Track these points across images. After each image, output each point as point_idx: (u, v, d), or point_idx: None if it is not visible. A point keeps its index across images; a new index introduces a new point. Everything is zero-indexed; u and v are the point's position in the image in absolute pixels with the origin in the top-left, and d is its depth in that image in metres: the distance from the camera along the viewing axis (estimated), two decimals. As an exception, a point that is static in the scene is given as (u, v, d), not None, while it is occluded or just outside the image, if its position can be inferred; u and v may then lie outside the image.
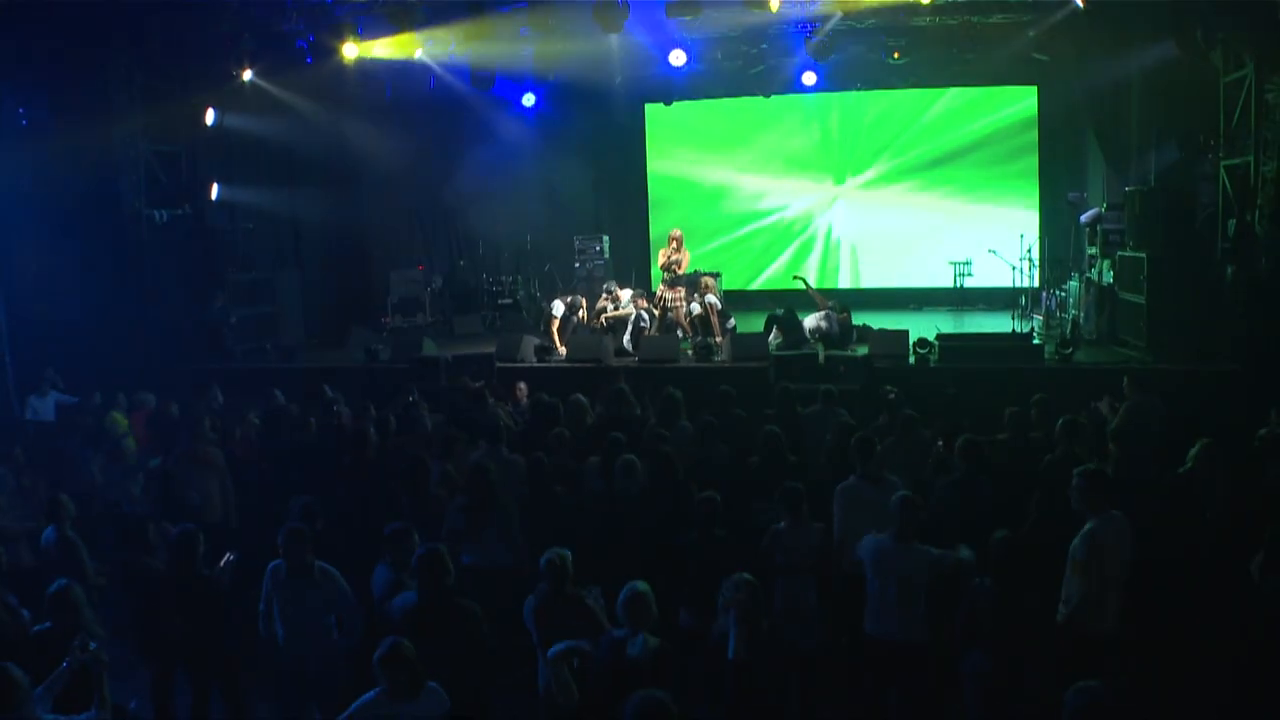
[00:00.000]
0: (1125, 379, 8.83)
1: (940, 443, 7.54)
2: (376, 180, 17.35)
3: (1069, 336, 12.03)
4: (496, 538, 6.67)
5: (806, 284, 13.73)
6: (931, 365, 11.26)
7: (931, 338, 11.73)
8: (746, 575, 4.88)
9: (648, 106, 18.88)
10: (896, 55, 14.77)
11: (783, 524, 6.15)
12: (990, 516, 6.43)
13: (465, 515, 6.68)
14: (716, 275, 17.10)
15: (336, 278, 17.74)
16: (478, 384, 11.46)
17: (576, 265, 17.57)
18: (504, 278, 17.79)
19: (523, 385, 11.21)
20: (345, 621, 5.77)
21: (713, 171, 18.77)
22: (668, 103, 18.29)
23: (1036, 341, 11.78)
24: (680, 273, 12.84)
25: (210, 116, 15.03)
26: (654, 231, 18.88)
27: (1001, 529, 5.37)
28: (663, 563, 6.23)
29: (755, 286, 18.52)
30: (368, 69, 15.54)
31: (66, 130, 13.72)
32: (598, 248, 17.62)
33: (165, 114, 14.77)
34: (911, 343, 11.67)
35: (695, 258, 17.82)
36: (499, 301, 17.39)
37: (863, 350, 12.11)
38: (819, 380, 10.80)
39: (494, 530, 6.66)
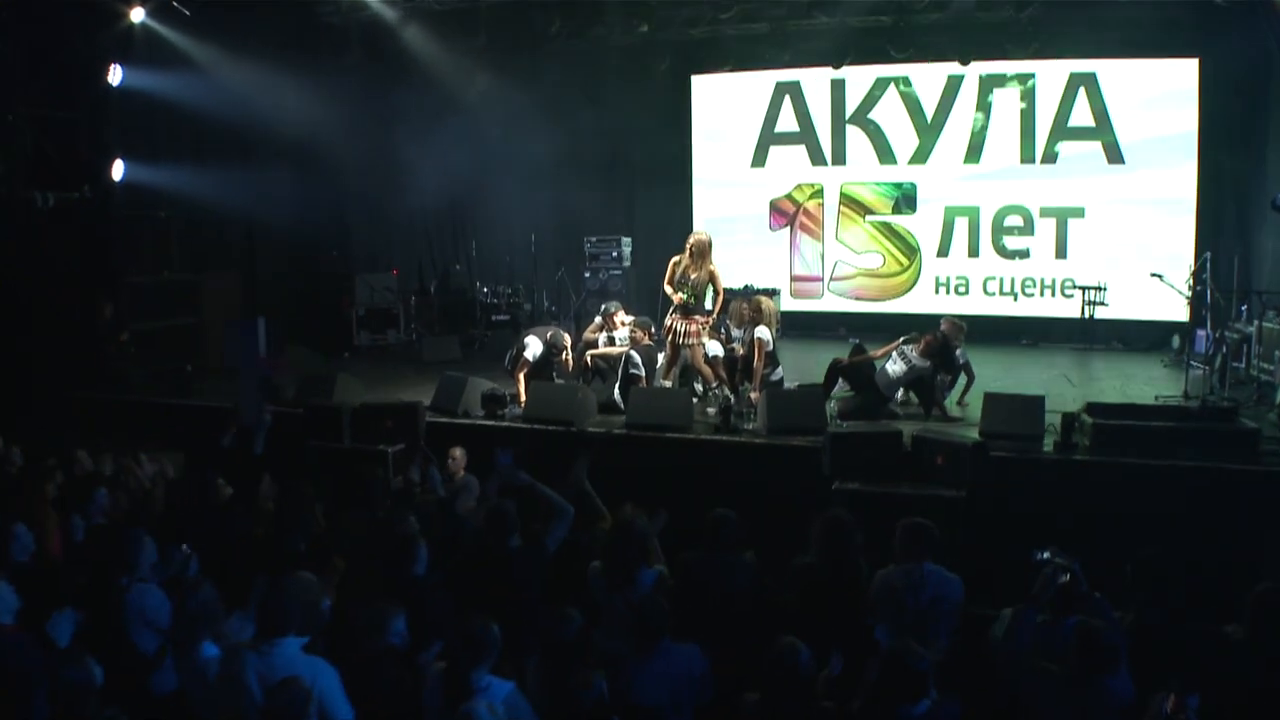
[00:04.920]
0: None
1: (1167, 704, 3.60)
2: (346, 159, 13.80)
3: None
4: None
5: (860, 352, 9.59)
6: (1078, 458, 7.23)
7: (1076, 407, 7.74)
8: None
9: (694, 79, 15.07)
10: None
11: None
12: None
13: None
14: (773, 293, 13.45)
15: (294, 282, 14.18)
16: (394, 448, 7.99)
17: (586, 275, 13.87)
18: (500, 287, 14.12)
19: (458, 452, 7.64)
20: None
21: (773, 160, 14.86)
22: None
23: (1246, 424, 7.56)
24: (704, 300, 8.83)
25: (116, 75, 11.69)
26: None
27: None
28: None
29: (815, 309, 14.69)
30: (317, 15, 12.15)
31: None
32: (614, 253, 13.87)
33: (56, 71, 11.50)
34: (1045, 416, 7.66)
35: (744, 268, 14.26)
36: (493, 318, 13.75)
37: (968, 422, 8.12)
38: (900, 475, 6.95)
39: None
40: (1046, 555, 4.43)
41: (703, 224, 15.01)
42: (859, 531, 4.92)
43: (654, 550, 5.02)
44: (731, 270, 14.19)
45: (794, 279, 14.87)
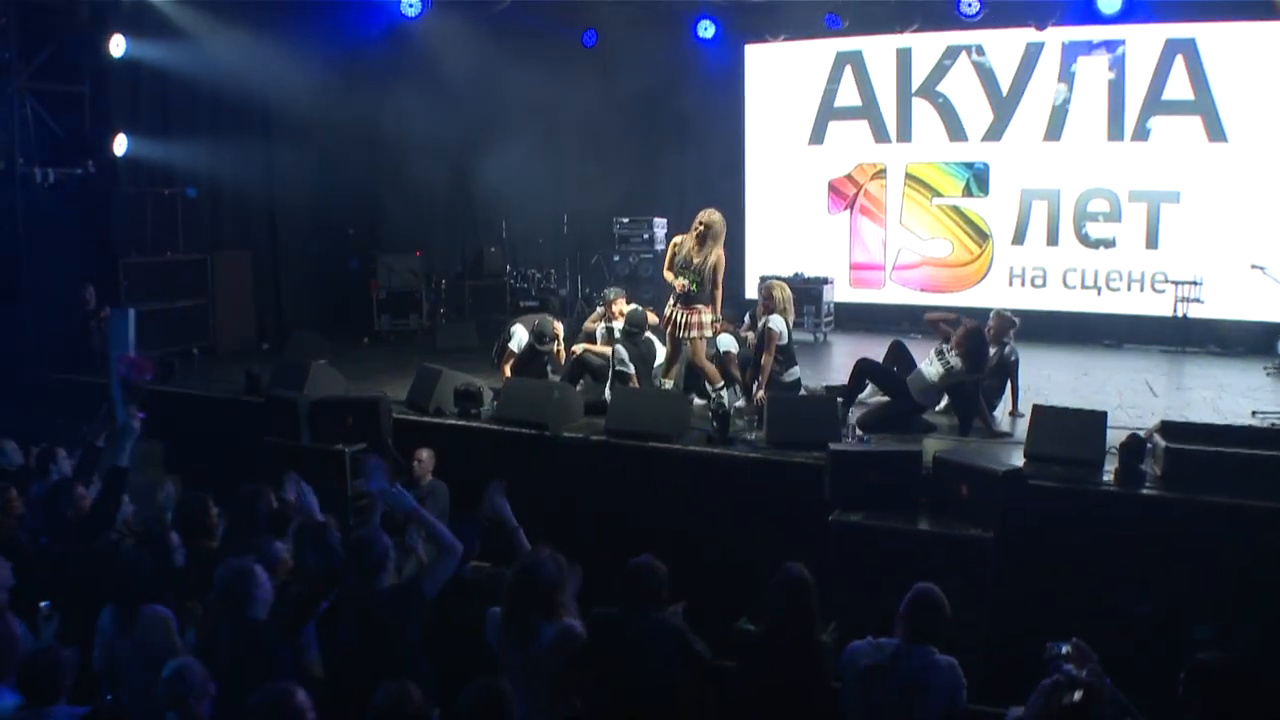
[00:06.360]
0: None
1: None
2: (366, 134, 13.11)
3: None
4: None
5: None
6: (1145, 492, 5.92)
7: (1147, 424, 6.44)
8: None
9: (748, 49, 13.93)
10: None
11: None
12: None
13: None
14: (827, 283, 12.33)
15: (314, 263, 13.57)
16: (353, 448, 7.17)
17: (615, 259, 12.93)
18: (530, 271, 13.28)
19: (425, 454, 7.04)
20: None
21: (832, 136, 13.63)
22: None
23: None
24: (708, 287, 7.74)
25: (119, 46, 11.12)
26: (750, 216, 13.90)
27: None
28: None
29: (876, 301, 13.48)
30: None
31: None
32: (646, 235, 12.86)
33: (58, 42, 10.99)
34: (1109, 435, 6.35)
35: (798, 254, 13.10)
36: (521, 303, 12.91)
37: (1017, 440, 6.85)
38: (916, 507, 5.76)
39: None
40: (1065, 650, 3.28)
41: (755, 206, 14.05)
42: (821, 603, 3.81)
43: (563, 603, 4.00)
44: (785, 257, 13.37)
45: (853, 267, 13.67)
